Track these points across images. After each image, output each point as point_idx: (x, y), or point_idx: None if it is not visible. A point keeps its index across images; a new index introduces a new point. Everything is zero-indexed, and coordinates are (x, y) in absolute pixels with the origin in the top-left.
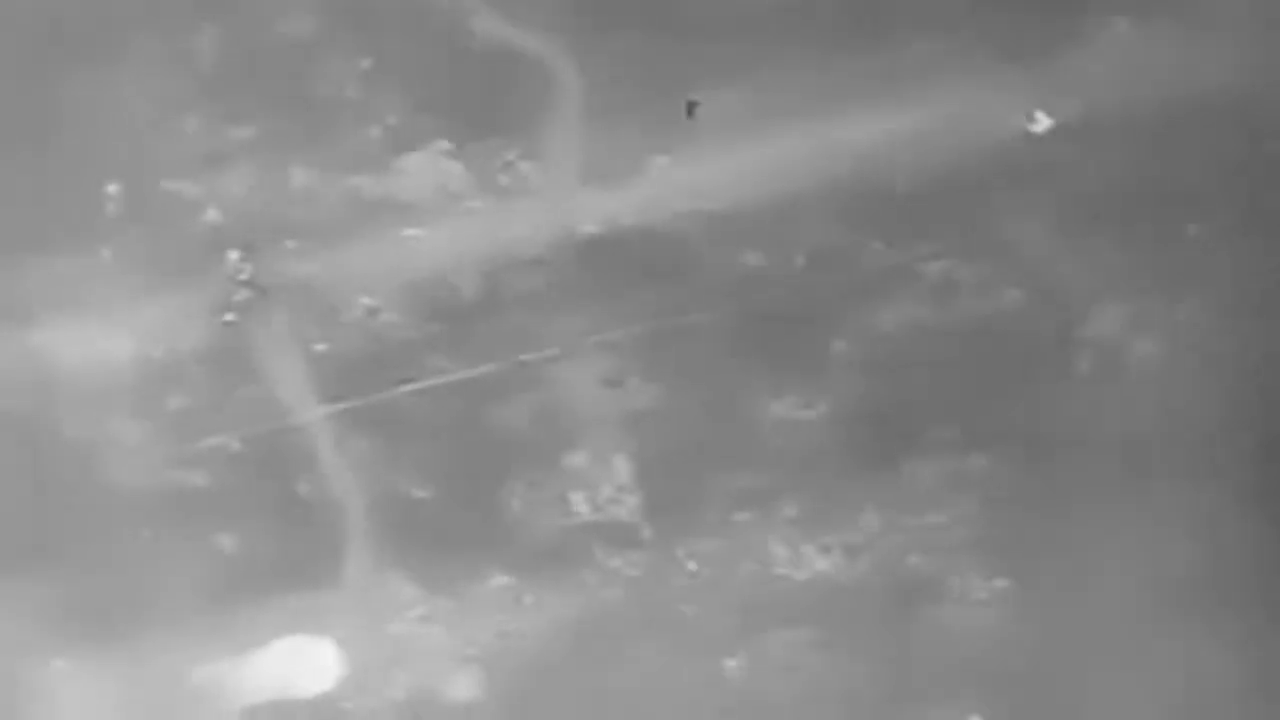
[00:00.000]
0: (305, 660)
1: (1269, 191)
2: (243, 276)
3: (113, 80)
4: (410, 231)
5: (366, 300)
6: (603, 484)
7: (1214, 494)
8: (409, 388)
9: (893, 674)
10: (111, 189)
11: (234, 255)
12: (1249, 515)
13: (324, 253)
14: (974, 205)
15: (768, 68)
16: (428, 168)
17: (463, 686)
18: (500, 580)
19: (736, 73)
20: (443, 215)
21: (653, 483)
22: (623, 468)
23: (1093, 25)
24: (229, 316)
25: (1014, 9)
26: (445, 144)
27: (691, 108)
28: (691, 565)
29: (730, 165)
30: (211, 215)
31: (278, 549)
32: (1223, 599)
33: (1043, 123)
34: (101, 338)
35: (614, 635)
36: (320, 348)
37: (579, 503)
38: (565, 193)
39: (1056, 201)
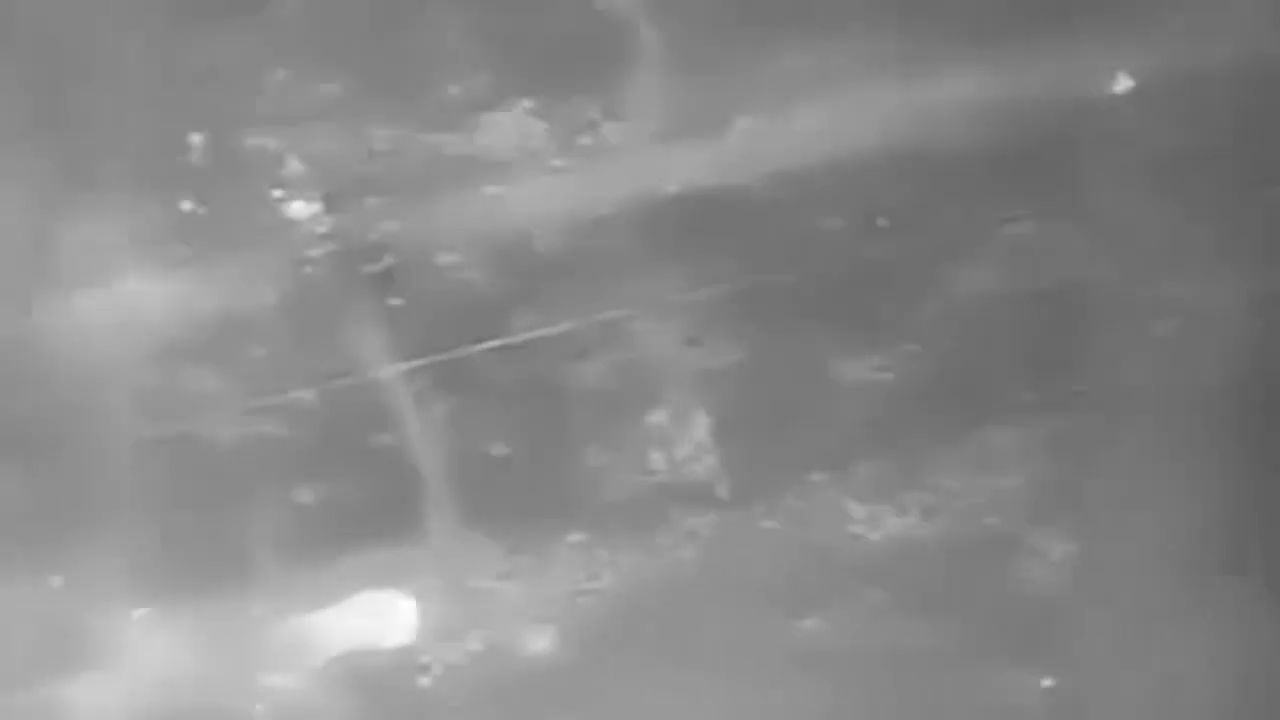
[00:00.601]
0: (384, 615)
1: None
2: (323, 231)
3: (199, 31)
4: (491, 189)
5: (447, 257)
6: (681, 443)
7: None
8: (488, 345)
9: (966, 636)
10: (195, 140)
11: (315, 210)
12: None
13: (405, 209)
14: (1054, 167)
15: (851, 27)
16: (510, 126)
17: (539, 643)
18: (577, 538)
19: (820, 32)
20: (524, 173)
21: (730, 442)
22: (701, 427)
23: None
24: (309, 270)
25: None
26: (528, 102)
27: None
28: (768, 525)
29: (812, 126)
30: (294, 169)
31: (357, 503)
32: None
33: (1124, 84)
34: (182, 289)
35: (690, 594)
36: (400, 303)
37: (657, 461)
38: (647, 152)
39: (1137, 164)
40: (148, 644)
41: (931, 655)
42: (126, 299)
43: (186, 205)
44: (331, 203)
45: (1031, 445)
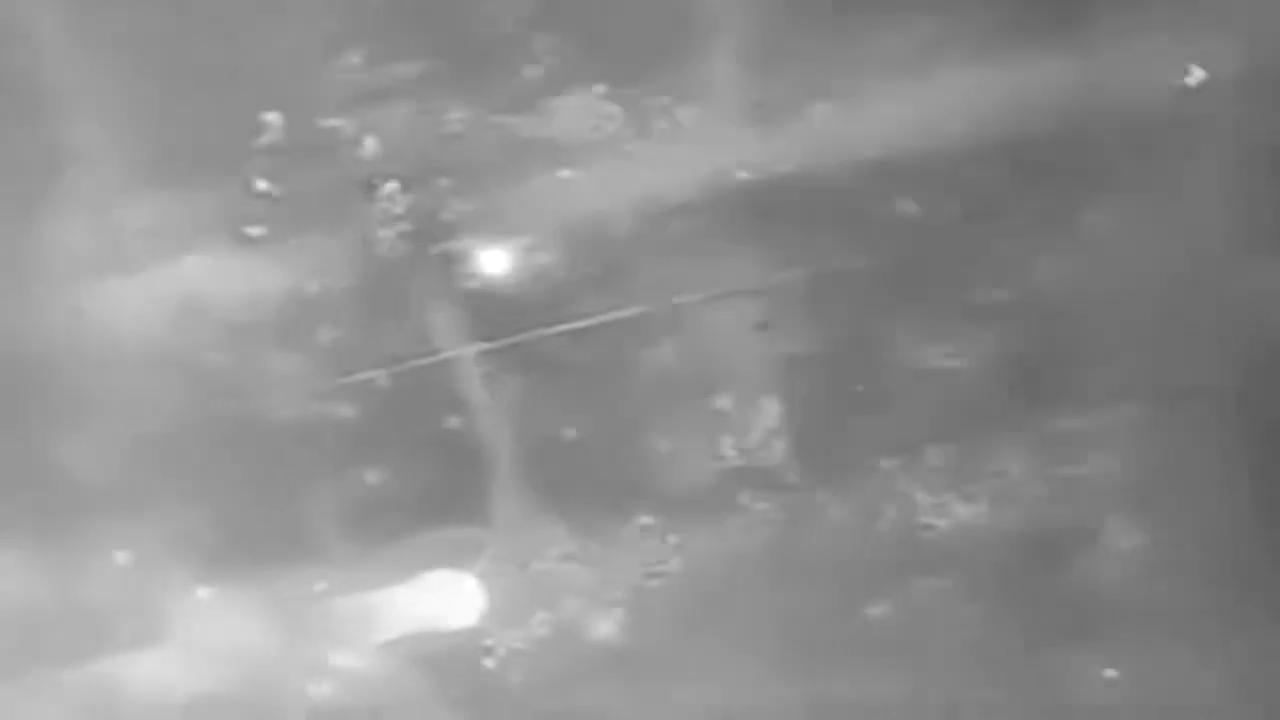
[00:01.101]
0: (449, 596)
1: None
2: (397, 212)
3: (275, 11)
4: (565, 173)
5: (520, 240)
6: (751, 428)
7: None
8: (560, 328)
9: (1033, 624)
10: (270, 120)
11: (389, 192)
12: None
13: (479, 192)
14: (1130, 156)
15: (930, 12)
16: (585, 109)
17: (605, 627)
18: (646, 522)
19: (899, 17)
20: (598, 157)
21: (800, 428)
22: (771, 412)
23: None
24: (382, 252)
25: None
26: (603, 86)
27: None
28: (836, 511)
29: (889, 112)
30: (368, 151)
31: (425, 484)
32: None
33: (1197, 75)
34: (253, 269)
35: (757, 579)
36: (473, 286)
37: (726, 446)
38: (722, 137)
39: (1211, 154)
40: (212, 621)
41: (996, 644)
42: (198, 279)
43: (260, 186)
44: (405, 185)
45: (1102, 434)
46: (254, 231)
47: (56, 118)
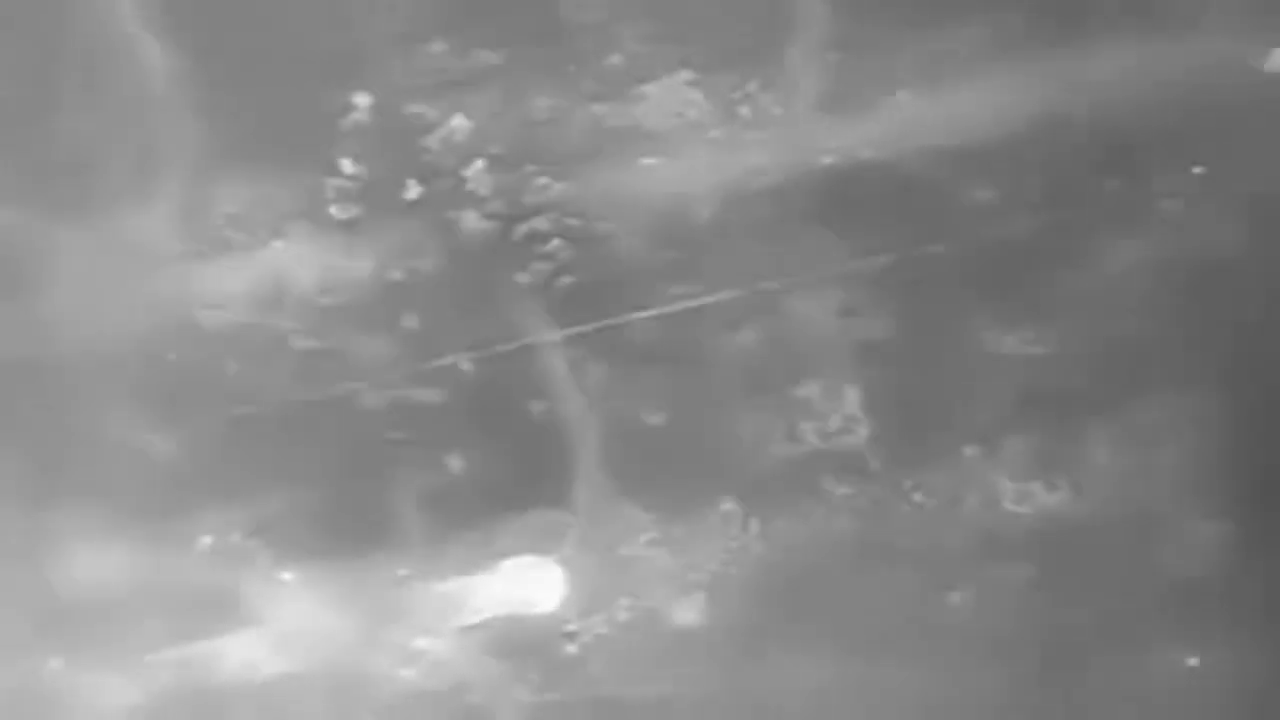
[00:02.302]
0: (532, 581)
1: None
2: (482, 197)
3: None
4: (649, 159)
5: (604, 226)
6: (833, 414)
7: None
8: (644, 313)
9: (1113, 613)
10: (356, 104)
11: (474, 178)
12: None
13: (564, 178)
14: (1210, 142)
15: (1012, 1)
16: (669, 96)
17: (687, 611)
18: (728, 507)
19: (978, 5)
20: (682, 143)
21: (882, 414)
22: (853, 398)
23: None
24: (467, 238)
25: None
26: (687, 73)
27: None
28: (918, 498)
29: (970, 99)
30: (453, 137)
31: (509, 470)
32: None
33: (1276, 59)
34: (339, 254)
35: (839, 565)
36: (557, 272)
37: (808, 432)
38: (805, 124)
39: None
40: (297, 606)
41: (1078, 632)
42: (284, 264)
43: (346, 170)
44: (490, 170)
45: (1184, 421)
46: (340, 217)
47: (146, 104)
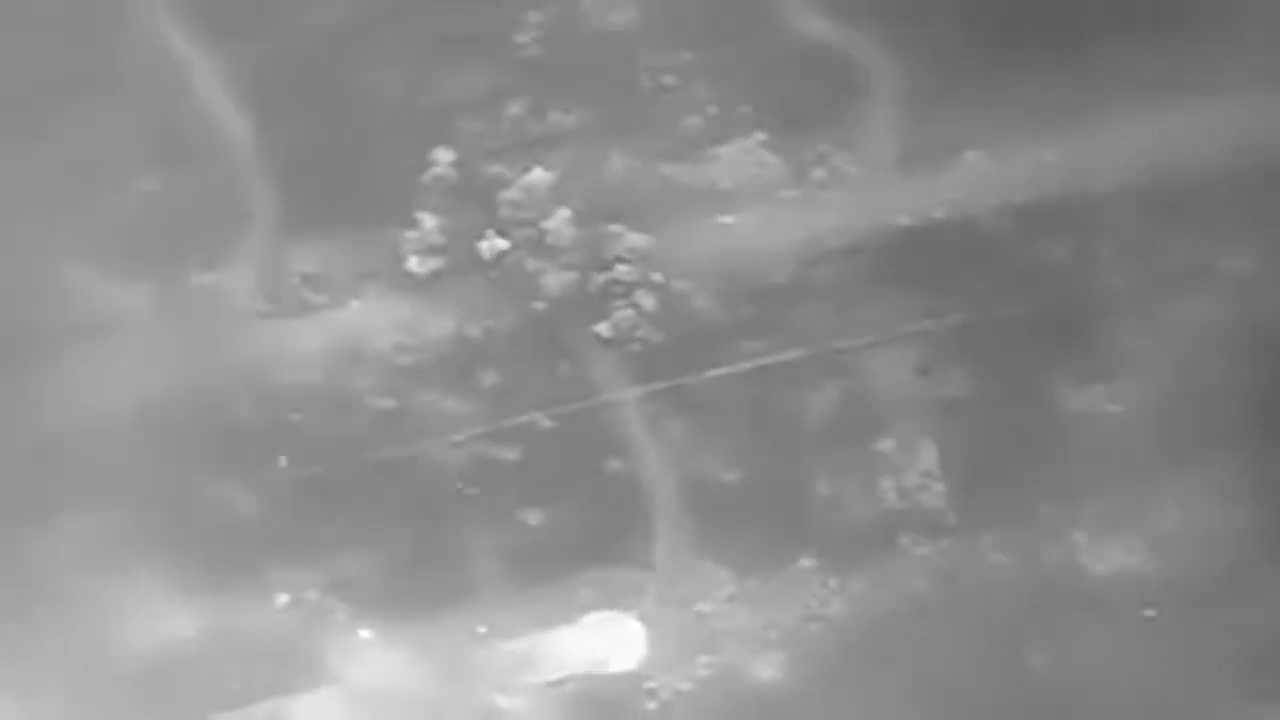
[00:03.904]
0: (611, 637)
1: None
2: (558, 257)
3: (440, 63)
4: (725, 219)
5: (680, 284)
6: (910, 471)
7: None
8: (720, 371)
9: (1196, 669)
10: (434, 165)
11: (550, 237)
12: None
13: (639, 238)
14: (1277, 201)
15: (1077, 63)
16: (744, 157)
17: (767, 668)
18: (807, 564)
19: (1050, 66)
20: (757, 203)
21: (959, 471)
22: (930, 455)
23: None
24: (543, 296)
25: None
26: (761, 134)
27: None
28: (996, 556)
29: (1041, 159)
30: (530, 197)
31: (586, 526)
32: None
33: None
34: (415, 312)
35: (918, 622)
36: (634, 329)
37: (886, 489)
38: (878, 184)
39: None
40: (374, 663)
41: (1162, 690)
42: (361, 323)
43: (425, 225)
44: (565, 230)
45: (1260, 478)
46: (419, 271)
47: (225, 165)
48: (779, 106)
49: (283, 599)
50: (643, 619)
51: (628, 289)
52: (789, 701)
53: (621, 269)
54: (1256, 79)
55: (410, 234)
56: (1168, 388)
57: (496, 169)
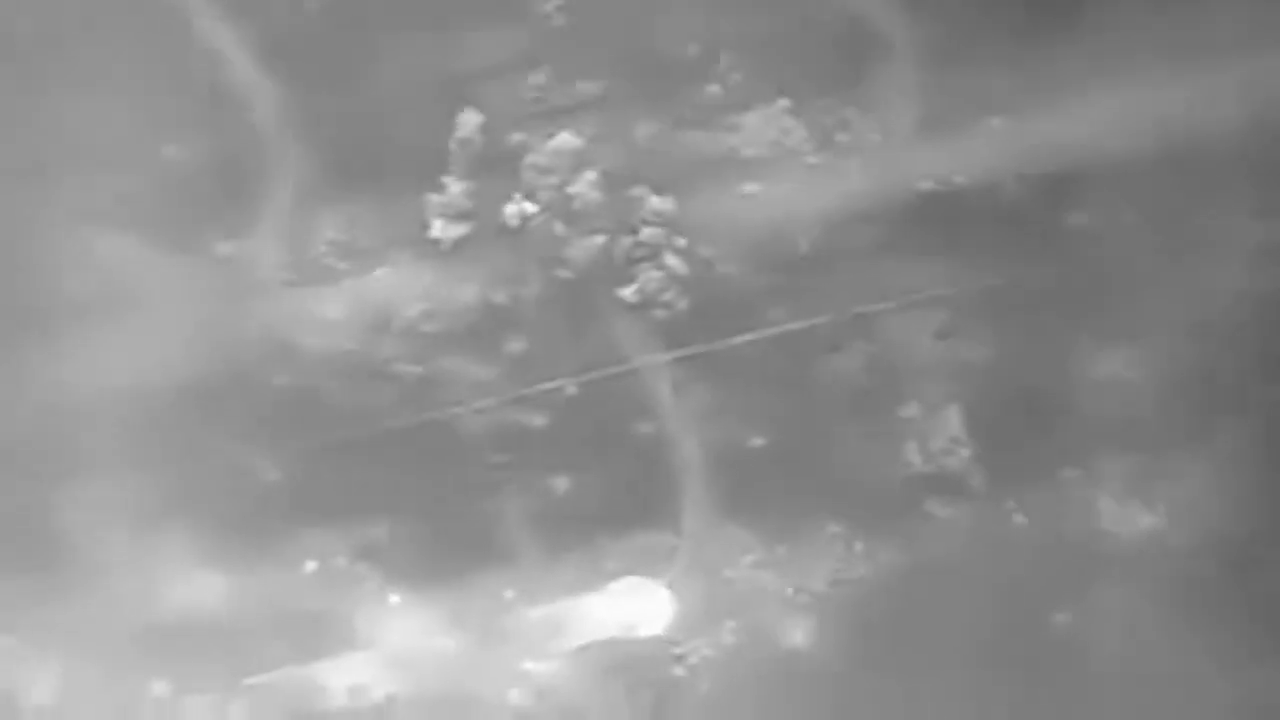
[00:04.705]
0: (639, 602)
1: None
2: (582, 224)
3: (465, 31)
4: (749, 186)
5: (705, 251)
6: (935, 436)
7: None
8: (746, 337)
9: (1218, 633)
10: (459, 132)
11: (574, 204)
12: None
13: (663, 205)
14: None
15: (1104, 26)
16: (767, 125)
17: (794, 632)
18: (833, 529)
19: (1073, 31)
20: (781, 170)
21: (983, 436)
22: (954, 420)
23: None
24: (568, 264)
25: None
26: (784, 102)
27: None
28: (1020, 519)
29: (1062, 126)
30: (554, 165)
31: (613, 492)
32: None
33: None
34: (442, 279)
35: (944, 586)
36: (660, 296)
37: (911, 453)
38: (901, 151)
39: None
40: (403, 628)
41: (1185, 654)
42: (387, 290)
43: (450, 193)
44: (591, 197)
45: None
46: (442, 243)
47: (253, 132)
48: (802, 74)
49: (312, 565)
50: (670, 584)
51: (654, 251)
52: (816, 665)
53: (647, 232)
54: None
55: (436, 199)
56: (1190, 352)
57: (522, 135)
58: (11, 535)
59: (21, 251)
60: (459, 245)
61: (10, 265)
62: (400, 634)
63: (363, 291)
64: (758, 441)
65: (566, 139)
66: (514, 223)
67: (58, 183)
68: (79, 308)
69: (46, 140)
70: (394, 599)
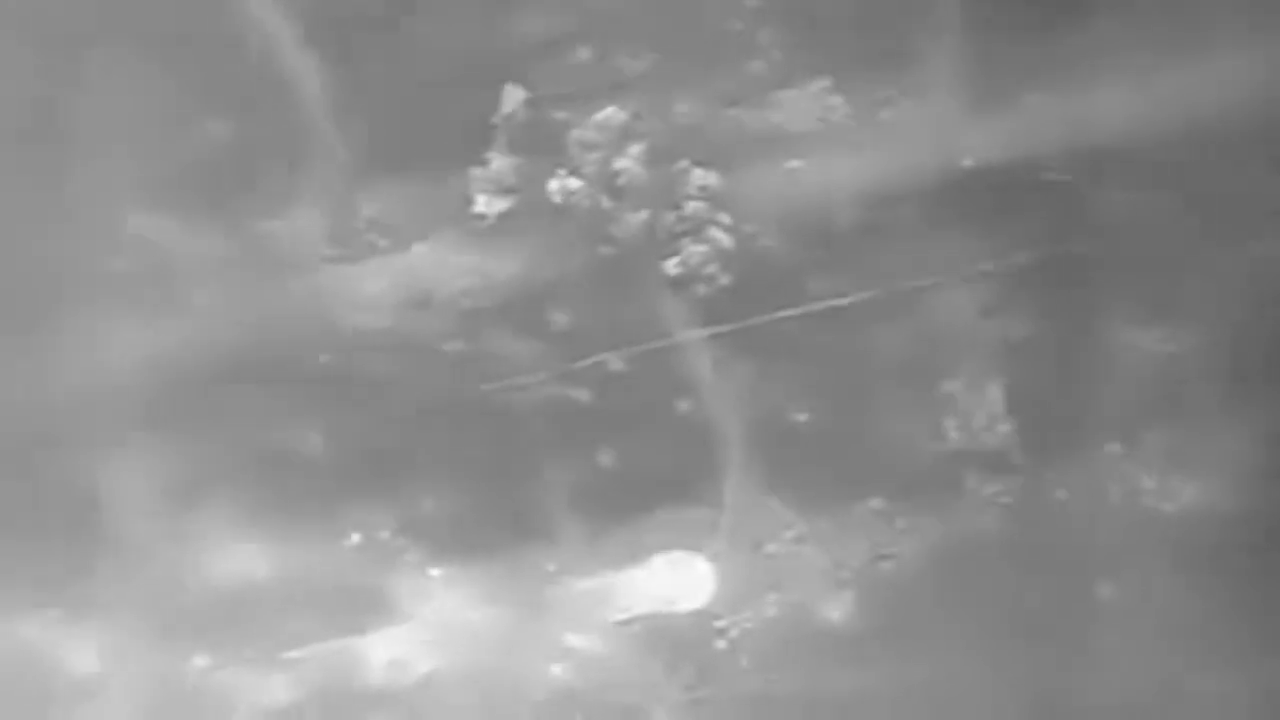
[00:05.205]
0: (681, 576)
1: None
2: (627, 201)
3: (508, 8)
4: (792, 162)
5: (749, 227)
6: (977, 411)
7: None
8: (788, 312)
9: (1260, 605)
10: (502, 109)
11: (618, 180)
12: None
13: (707, 181)
14: None
15: (1147, 6)
16: (810, 101)
17: (835, 607)
18: (875, 504)
19: (1116, 10)
20: (824, 146)
21: (1025, 411)
22: (996, 396)
23: None
24: (612, 240)
25: None
26: (827, 78)
27: None
28: (1061, 494)
29: (1106, 103)
30: (598, 141)
31: (657, 466)
32: None
33: None
34: (486, 255)
35: (985, 561)
36: (703, 271)
37: (953, 429)
38: (943, 127)
39: None
40: (445, 602)
41: (1223, 627)
42: (432, 265)
43: (493, 168)
44: (634, 174)
45: None
46: (486, 218)
47: (295, 108)
48: (844, 50)
49: (354, 538)
50: (712, 558)
51: (697, 226)
52: (857, 640)
53: (691, 206)
54: None
55: (479, 173)
56: (1231, 327)
57: (566, 111)
58: (53, 510)
59: (63, 227)
60: (503, 220)
61: (51, 240)
62: (442, 608)
63: (406, 267)
64: (800, 417)
65: (611, 114)
66: (558, 198)
67: (100, 158)
68: (120, 283)
69: (90, 115)
70: (435, 573)
